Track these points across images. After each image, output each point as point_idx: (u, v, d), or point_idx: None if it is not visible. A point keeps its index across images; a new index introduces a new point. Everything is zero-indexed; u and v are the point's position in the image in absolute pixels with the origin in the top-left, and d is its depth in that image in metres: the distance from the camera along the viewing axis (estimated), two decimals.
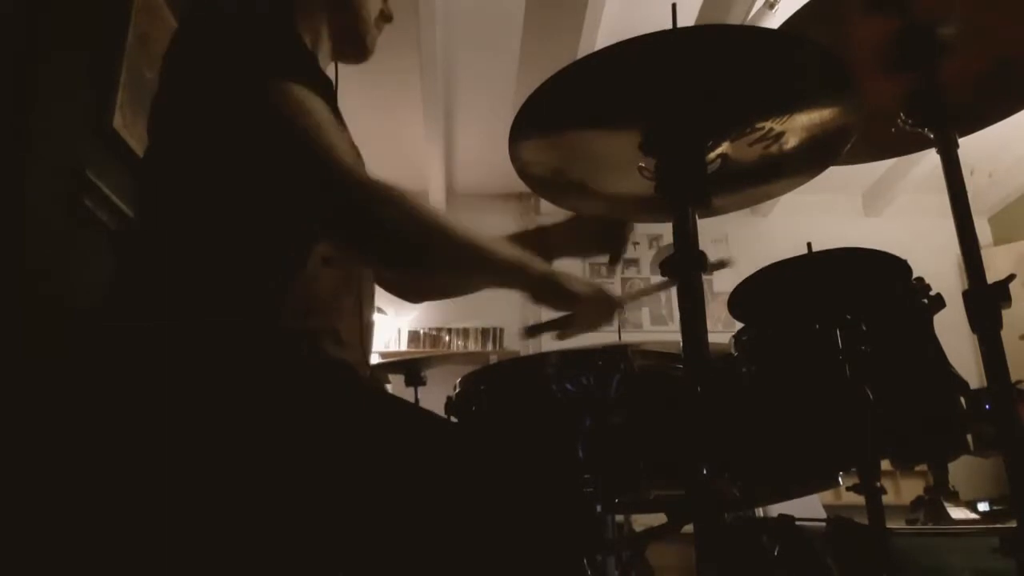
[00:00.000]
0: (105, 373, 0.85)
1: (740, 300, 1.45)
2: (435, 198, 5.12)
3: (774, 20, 3.05)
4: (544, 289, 1.09)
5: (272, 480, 0.82)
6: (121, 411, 0.83)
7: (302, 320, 0.98)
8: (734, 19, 3.35)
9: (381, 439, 0.87)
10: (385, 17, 1.23)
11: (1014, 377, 1.05)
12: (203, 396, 0.83)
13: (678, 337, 0.95)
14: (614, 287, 5.24)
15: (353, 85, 4.36)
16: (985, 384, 1.06)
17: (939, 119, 1.15)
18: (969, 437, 1.20)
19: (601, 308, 1.16)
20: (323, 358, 0.99)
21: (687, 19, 0.93)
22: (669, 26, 0.92)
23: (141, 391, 0.84)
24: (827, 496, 2.85)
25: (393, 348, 4.81)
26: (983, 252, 1.10)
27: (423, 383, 2.77)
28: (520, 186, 1.19)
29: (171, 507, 0.80)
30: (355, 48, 1.21)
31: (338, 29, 1.17)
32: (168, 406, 0.83)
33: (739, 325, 1.41)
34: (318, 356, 0.99)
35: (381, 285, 1.32)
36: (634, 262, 5.32)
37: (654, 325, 5.16)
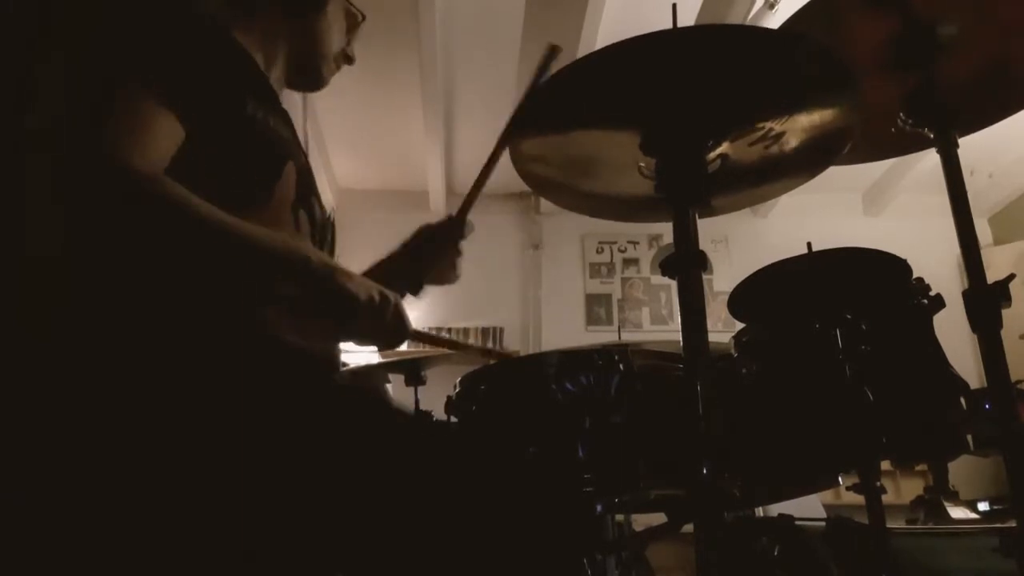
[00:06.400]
0: (101, 371, 0.86)
1: (740, 300, 1.45)
2: (435, 198, 5.12)
3: (774, 20, 3.05)
4: (322, 290, 0.94)
5: (271, 484, 0.82)
6: (117, 411, 0.83)
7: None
8: (734, 19, 3.35)
9: (376, 439, 0.88)
10: (347, 58, 1.25)
11: (1014, 377, 1.05)
12: (195, 398, 0.84)
13: (678, 337, 0.95)
14: (614, 287, 5.26)
15: (353, 85, 4.35)
16: (985, 384, 1.06)
17: (939, 119, 1.15)
18: (969, 437, 1.20)
19: (383, 325, 1.00)
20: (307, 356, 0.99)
21: (687, 19, 0.93)
22: (669, 26, 0.92)
23: (134, 389, 0.84)
24: (827, 496, 2.85)
25: None
26: (983, 252, 1.10)
27: (423, 383, 2.77)
28: (520, 186, 1.19)
29: (167, 506, 0.80)
30: (310, 77, 1.23)
31: (296, 56, 1.19)
32: (163, 406, 0.83)
33: (739, 325, 1.41)
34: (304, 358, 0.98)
35: None
36: (634, 262, 5.32)
37: (654, 325, 5.16)
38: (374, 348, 1.12)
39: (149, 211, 0.86)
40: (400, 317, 1.02)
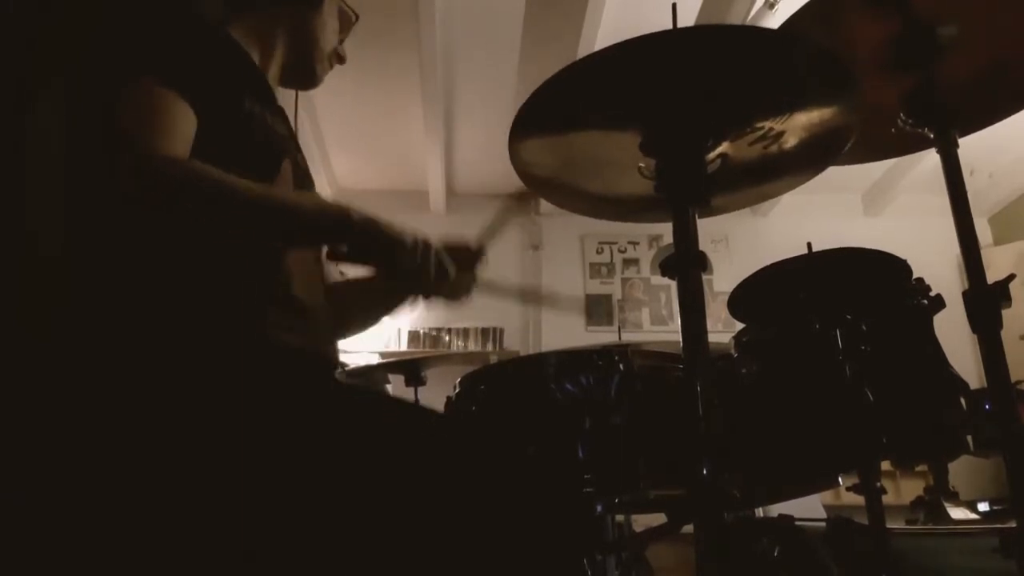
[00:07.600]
0: (101, 371, 0.86)
1: (740, 300, 1.45)
2: (435, 198, 5.12)
3: (774, 20, 3.05)
4: (367, 237, 0.97)
5: (271, 483, 0.82)
6: (117, 410, 0.83)
7: (268, 298, 0.97)
8: (734, 19, 3.35)
9: (375, 440, 0.88)
10: (339, 57, 1.26)
11: (1014, 377, 1.05)
12: (195, 397, 0.84)
13: (678, 337, 0.95)
14: (614, 287, 5.26)
15: (353, 85, 4.35)
16: (985, 384, 1.06)
17: (939, 119, 1.15)
18: (969, 437, 1.20)
19: (429, 266, 1.01)
20: (303, 358, 0.99)
21: (687, 19, 0.93)
22: (669, 26, 0.92)
23: (134, 389, 0.84)
24: (827, 496, 2.85)
25: (393, 348, 4.81)
26: (983, 252, 1.10)
27: (423, 383, 2.77)
28: (520, 186, 1.19)
29: (167, 505, 0.80)
30: (305, 75, 1.23)
31: (292, 53, 1.19)
32: (162, 406, 0.83)
33: (739, 325, 1.41)
34: (297, 358, 0.98)
35: None
36: (634, 262, 5.32)
37: (654, 325, 5.16)
38: (443, 301, 1.14)
39: (186, 190, 0.86)
40: (443, 259, 1.03)
